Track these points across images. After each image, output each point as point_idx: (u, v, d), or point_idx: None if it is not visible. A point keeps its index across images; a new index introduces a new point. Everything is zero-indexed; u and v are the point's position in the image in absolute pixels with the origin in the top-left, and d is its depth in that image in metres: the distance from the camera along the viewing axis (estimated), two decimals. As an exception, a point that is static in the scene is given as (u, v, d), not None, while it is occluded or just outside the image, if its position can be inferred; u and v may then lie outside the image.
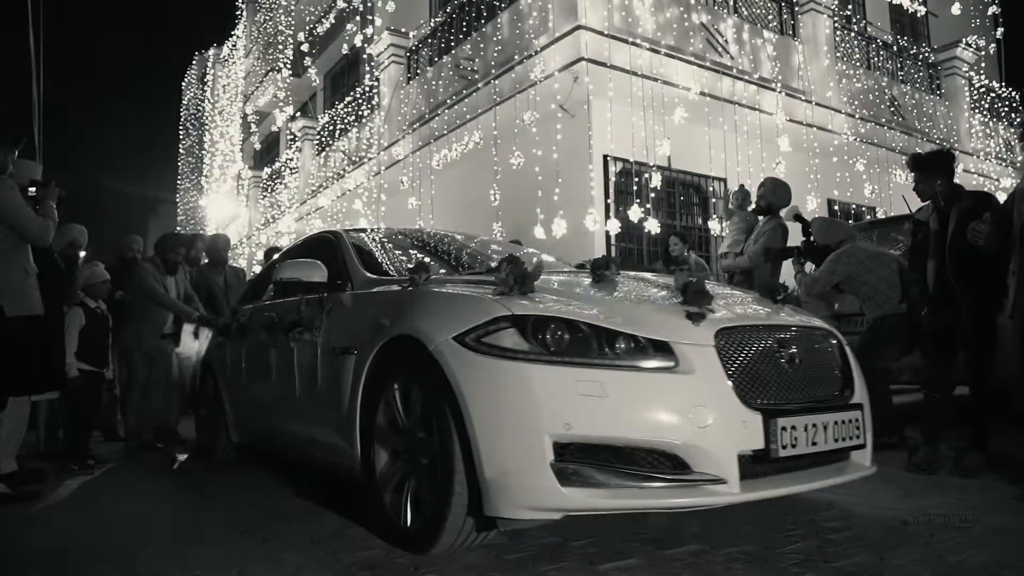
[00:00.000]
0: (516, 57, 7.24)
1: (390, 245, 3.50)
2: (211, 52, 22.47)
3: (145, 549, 2.40)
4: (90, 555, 2.37)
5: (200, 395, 4.72)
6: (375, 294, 2.78)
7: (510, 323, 1.99)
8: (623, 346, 1.97)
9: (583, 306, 2.13)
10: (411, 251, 3.58)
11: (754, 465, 1.96)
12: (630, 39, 6.75)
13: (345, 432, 2.58)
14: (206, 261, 6.18)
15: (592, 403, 1.87)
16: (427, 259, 3.32)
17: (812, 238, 4.46)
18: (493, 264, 3.33)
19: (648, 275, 3.06)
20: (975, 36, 10.94)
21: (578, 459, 1.86)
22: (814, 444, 2.06)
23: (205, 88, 23.03)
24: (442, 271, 3.19)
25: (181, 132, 26.06)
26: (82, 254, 5.23)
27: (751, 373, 2.04)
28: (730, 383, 1.97)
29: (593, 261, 2.64)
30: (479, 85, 7.72)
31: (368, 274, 2.99)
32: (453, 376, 2.00)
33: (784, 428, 1.99)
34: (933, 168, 3.85)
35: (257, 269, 9.40)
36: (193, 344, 5.42)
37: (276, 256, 4.79)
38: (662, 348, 1.97)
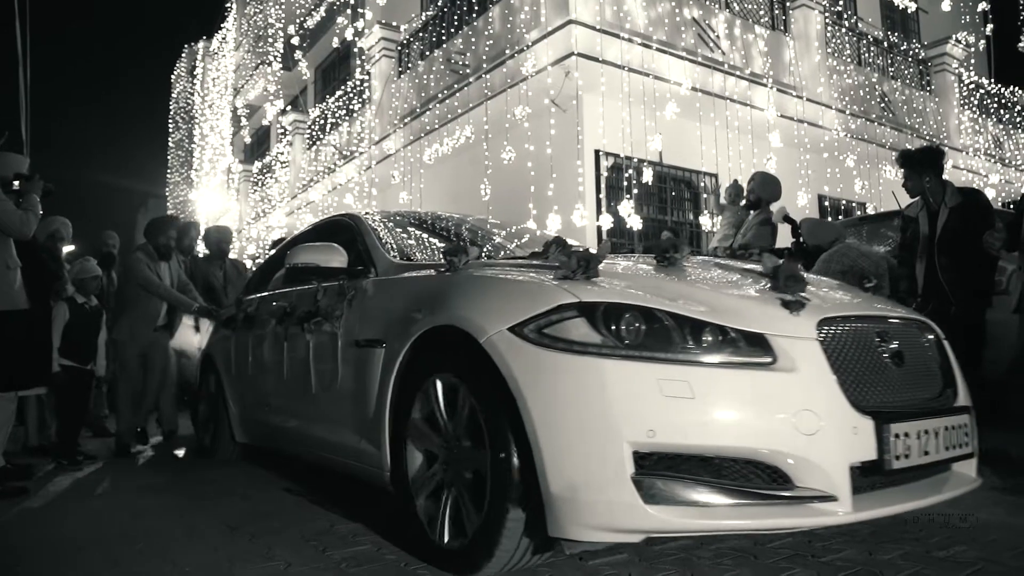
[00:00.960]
0: (507, 51, 7.21)
1: (411, 228, 3.26)
2: (200, 45, 22.28)
3: (134, 546, 2.38)
4: (77, 552, 2.35)
5: (200, 391, 4.50)
6: (405, 280, 2.50)
7: (577, 311, 1.72)
8: (711, 339, 1.69)
9: (657, 293, 1.82)
10: (433, 234, 3.31)
11: (862, 479, 1.69)
12: (621, 34, 6.74)
13: (371, 434, 2.33)
14: (205, 253, 5.87)
15: (679, 406, 1.60)
16: (462, 242, 2.99)
17: (802, 239, 4.47)
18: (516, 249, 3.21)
19: (719, 259, 2.77)
20: (965, 32, 10.99)
21: (662, 471, 1.60)
22: (926, 453, 1.79)
23: (195, 81, 22.84)
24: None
25: (171, 126, 25.85)
26: (70, 247, 5.18)
27: (856, 371, 1.77)
28: (837, 383, 1.70)
29: (658, 243, 2.33)
30: (470, 79, 7.69)
31: (393, 259, 2.73)
32: (510, 373, 1.74)
33: (897, 435, 1.72)
34: (922, 165, 3.88)
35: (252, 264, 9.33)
36: (193, 337, 5.17)
37: (286, 241, 4.44)
38: (757, 341, 1.69)
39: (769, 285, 1.96)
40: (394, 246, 2.88)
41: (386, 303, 2.48)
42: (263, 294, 3.78)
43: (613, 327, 1.70)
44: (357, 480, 2.61)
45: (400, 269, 2.63)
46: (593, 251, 1.95)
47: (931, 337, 2.12)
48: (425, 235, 3.25)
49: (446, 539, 1.98)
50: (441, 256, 2.62)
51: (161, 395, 5.01)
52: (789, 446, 1.61)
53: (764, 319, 1.75)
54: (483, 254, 2.85)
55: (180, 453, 4.66)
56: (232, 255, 6.22)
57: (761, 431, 1.62)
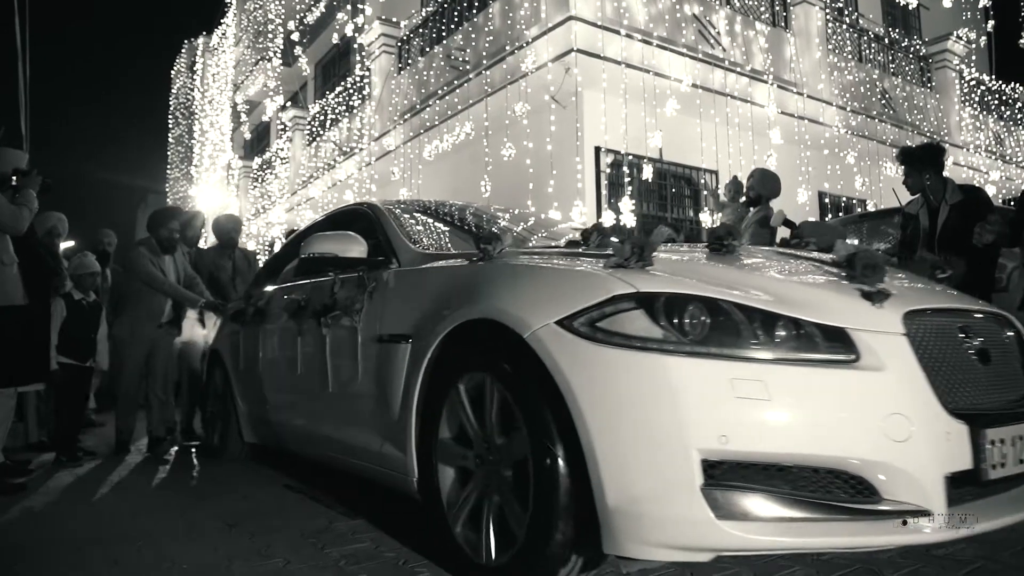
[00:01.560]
0: (507, 48, 7.19)
1: (430, 218, 3.08)
2: (200, 40, 22.24)
3: (134, 544, 2.38)
4: (76, 550, 2.35)
5: (208, 389, 4.35)
6: (434, 270, 2.31)
7: (635, 303, 1.55)
8: (785, 334, 1.51)
9: (719, 282, 1.65)
10: (453, 224, 3.12)
11: (953, 491, 1.51)
12: (622, 30, 6.73)
13: (396, 437, 2.17)
14: (213, 243, 5.61)
15: (754, 408, 1.44)
16: (495, 229, 2.78)
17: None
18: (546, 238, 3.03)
19: (776, 249, 2.55)
20: (966, 28, 10.96)
21: (734, 482, 1.44)
22: (1021, 462, 1.62)
23: (194, 77, 22.81)
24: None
25: (170, 121, 25.83)
26: (68, 243, 5.16)
27: (945, 370, 1.60)
28: (928, 382, 1.52)
29: (712, 230, 2.14)
30: (470, 76, 7.67)
31: (416, 248, 2.57)
32: (559, 371, 1.57)
33: (993, 442, 1.55)
34: (923, 161, 3.87)
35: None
36: (199, 332, 4.90)
37: (299, 231, 4.20)
38: (837, 336, 1.52)
39: (843, 274, 1.78)
40: (416, 235, 2.71)
41: (412, 295, 2.30)
42: (274, 287, 3.61)
43: (675, 320, 1.52)
44: (378, 485, 2.44)
45: (425, 259, 2.45)
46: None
47: (1011, 334, 1.92)
48: (446, 224, 3.06)
49: (493, 555, 1.79)
50: (467, 246, 2.54)
51: (167, 393, 4.77)
52: (878, 454, 1.44)
53: (844, 312, 1.58)
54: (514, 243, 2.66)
55: (172, 452, 4.64)
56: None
57: (846, 437, 1.45)
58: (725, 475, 1.44)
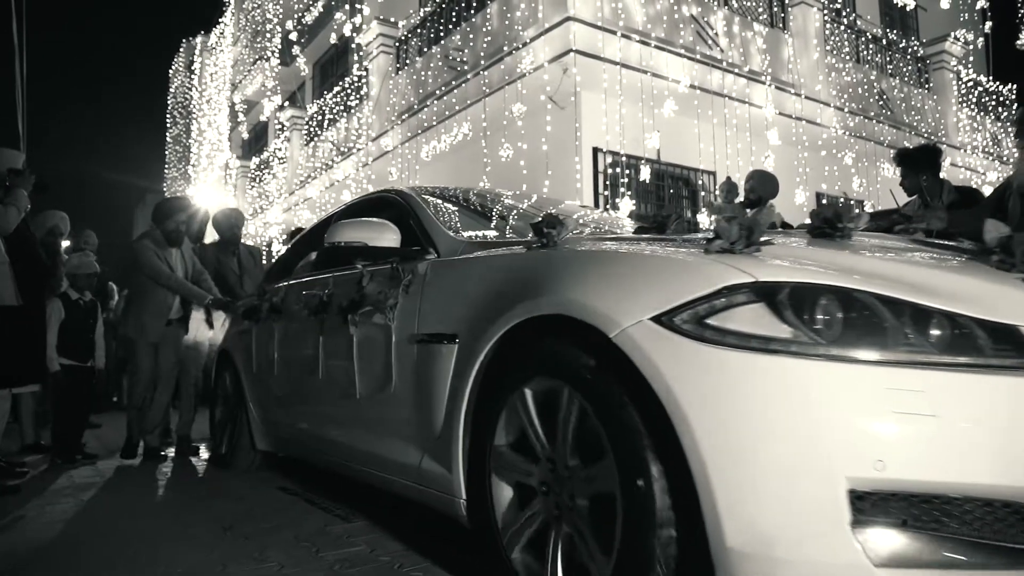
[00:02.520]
0: (505, 48, 7.19)
1: (464, 204, 2.81)
2: (198, 40, 22.22)
3: (129, 547, 2.38)
4: (71, 554, 2.35)
5: (216, 392, 4.07)
6: (484, 260, 2.03)
7: (753, 294, 1.27)
8: (942, 333, 1.22)
9: (848, 271, 1.36)
10: (491, 211, 2.86)
11: None
12: (620, 31, 6.72)
13: (438, 452, 1.91)
14: (217, 239, 5.33)
15: (915, 426, 1.15)
16: (554, 212, 2.46)
17: None
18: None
19: (895, 235, 2.24)
20: (963, 30, 10.98)
21: (890, 518, 1.15)
22: None
23: (192, 76, 22.79)
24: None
25: (168, 120, 25.81)
26: (66, 243, 5.13)
27: None
28: None
29: (817, 210, 1.82)
30: (468, 76, 7.67)
31: (457, 236, 2.30)
32: (659, 378, 1.28)
33: None
34: (919, 163, 3.87)
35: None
36: (207, 333, 4.66)
37: (307, 226, 4.03)
38: (1006, 336, 1.23)
39: (996, 261, 1.52)
40: (453, 223, 2.46)
41: (458, 289, 2.02)
42: (291, 281, 3.34)
43: (806, 316, 1.23)
44: (415, 504, 2.14)
45: (469, 248, 2.18)
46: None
47: None
48: (481, 212, 2.80)
49: None
50: (516, 232, 2.32)
51: (174, 396, 4.60)
52: None
53: (1012, 306, 1.28)
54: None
55: (170, 453, 4.62)
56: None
57: None
58: (879, 510, 1.15)
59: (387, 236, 2.32)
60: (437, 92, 8.24)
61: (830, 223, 1.69)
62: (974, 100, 11.16)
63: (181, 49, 24.43)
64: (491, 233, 2.56)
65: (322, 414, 2.79)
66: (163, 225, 4.27)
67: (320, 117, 11.78)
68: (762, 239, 1.47)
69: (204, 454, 4.48)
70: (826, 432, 1.16)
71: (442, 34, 8.52)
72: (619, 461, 1.36)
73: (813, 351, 1.20)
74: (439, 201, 2.64)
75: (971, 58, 11.46)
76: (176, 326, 4.35)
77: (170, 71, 25.81)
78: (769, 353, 1.21)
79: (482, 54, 7.64)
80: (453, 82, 7.97)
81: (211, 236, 5.57)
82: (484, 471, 1.72)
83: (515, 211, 2.89)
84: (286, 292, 3.27)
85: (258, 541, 2.39)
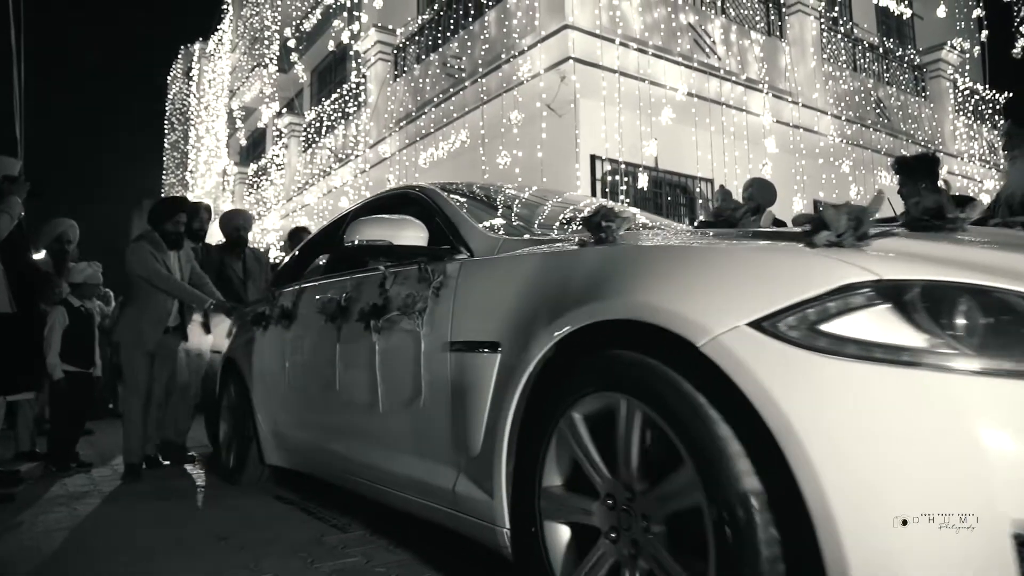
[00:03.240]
0: (503, 56, 7.20)
1: (489, 201, 2.56)
2: (197, 46, 22.26)
3: (120, 557, 2.35)
4: (62, 564, 2.32)
5: (221, 403, 3.83)
6: (529, 258, 1.77)
7: (876, 295, 1.07)
8: None
9: (975, 266, 1.15)
10: (520, 206, 2.56)
11: None
12: (618, 39, 6.74)
13: (476, 475, 1.70)
14: (221, 241, 5.00)
15: None
16: (607, 203, 2.23)
17: None
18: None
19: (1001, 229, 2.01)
20: (960, 38, 11.04)
21: None
22: None
23: (191, 83, 22.82)
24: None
25: (166, 127, 25.83)
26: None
27: None
28: None
29: (915, 202, 1.61)
30: (466, 84, 7.68)
31: (492, 234, 2.08)
32: (763, 395, 1.07)
33: None
34: (917, 171, 3.88)
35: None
36: (205, 339, 4.41)
37: (319, 227, 3.68)
38: None
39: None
40: (485, 219, 2.23)
41: (499, 291, 1.77)
42: (303, 284, 3.11)
43: (943, 320, 1.04)
44: (446, 529, 1.92)
45: (509, 246, 1.94)
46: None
47: None
48: (511, 207, 2.52)
49: None
50: (546, 229, 2.17)
51: (168, 406, 4.29)
52: None
53: None
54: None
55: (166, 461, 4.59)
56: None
57: None
58: None
59: (413, 234, 2.09)
60: (435, 99, 8.25)
61: (935, 213, 1.45)
62: (970, 108, 11.20)
63: (180, 55, 24.48)
64: (525, 230, 2.25)
65: (339, 428, 2.55)
66: (162, 227, 3.99)
67: (318, 124, 11.78)
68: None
69: (199, 463, 4.44)
70: (986, 463, 0.95)
71: (440, 42, 8.54)
72: (707, 482, 1.15)
73: (959, 363, 1.00)
74: (463, 198, 2.41)
75: (967, 66, 11.52)
76: (173, 334, 4.10)
77: (168, 77, 25.85)
78: (902, 365, 1.01)
79: (480, 62, 7.65)
80: (451, 89, 7.98)
81: (214, 237, 5.47)
82: (534, 508, 1.51)
83: (543, 207, 2.62)
84: (298, 296, 3.05)
85: (253, 551, 2.36)
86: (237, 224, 4.81)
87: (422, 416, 1.96)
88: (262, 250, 5.84)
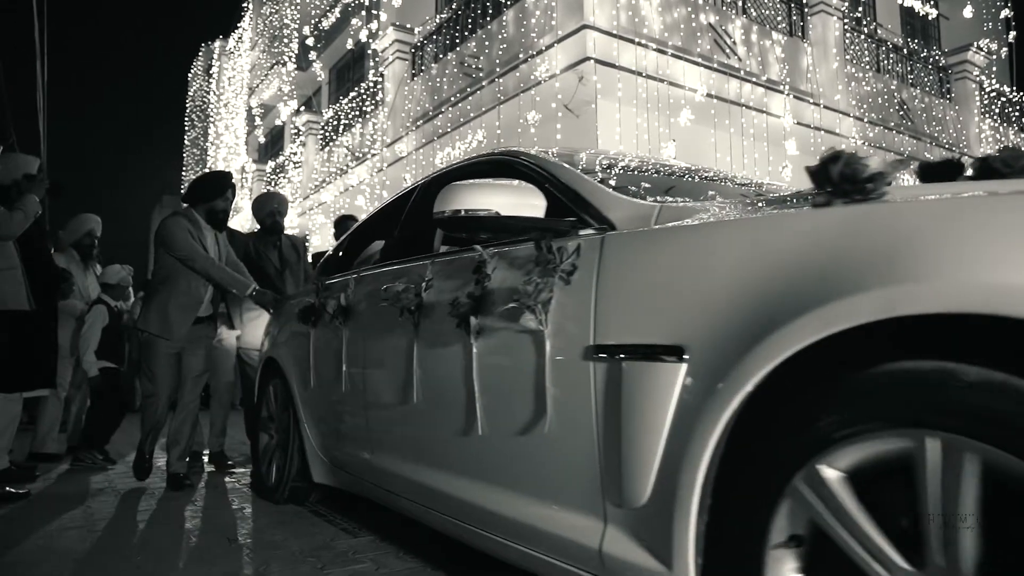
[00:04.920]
0: (521, 56, 7.17)
1: (586, 167, 1.95)
2: (217, 44, 22.46)
3: (132, 559, 2.35)
4: (72, 562, 2.32)
5: (261, 410, 3.40)
6: (726, 227, 1.25)
7: None
8: None
9: None
10: (627, 171, 2.06)
11: None
12: (637, 39, 6.68)
13: (642, 532, 1.24)
14: (254, 228, 4.58)
15: None
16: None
17: None
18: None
19: None
20: (987, 39, 10.83)
21: None
22: None
23: (211, 80, 23.03)
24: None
25: (186, 124, 26.10)
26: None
27: None
28: None
29: None
30: (483, 83, 7.66)
31: (640, 200, 1.56)
32: None
33: None
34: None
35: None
36: (230, 333, 4.02)
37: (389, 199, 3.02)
38: None
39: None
40: (620, 184, 1.74)
41: (678, 274, 1.27)
42: (361, 272, 2.64)
43: None
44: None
45: (670, 213, 1.44)
46: None
47: None
48: (629, 172, 2.05)
49: None
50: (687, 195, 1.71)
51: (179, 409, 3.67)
52: None
53: None
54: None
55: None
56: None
57: None
58: None
59: (531, 201, 1.63)
60: (452, 99, 8.23)
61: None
62: (997, 111, 10.99)
63: (200, 53, 24.71)
64: (668, 196, 1.72)
65: (417, 451, 2.08)
66: (211, 203, 3.53)
67: (335, 122, 11.82)
68: None
69: (238, 471, 4.20)
70: None
71: (458, 41, 8.52)
72: None
73: None
74: (564, 163, 1.89)
75: (994, 68, 11.30)
76: (206, 326, 3.62)
77: (189, 75, 26.11)
78: None
79: (497, 61, 7.62)
80: (468, 89, 7.96)
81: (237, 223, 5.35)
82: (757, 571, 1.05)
83: (654, 173, 2.08)
84: (356, 286, 2.56)
85: (262, 554, 2.35)
86: (272, 208, 4.31)
87: (546, 445, 1.49)
88: (349, 216, 5.14)
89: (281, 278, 4.14)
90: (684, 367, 1.19)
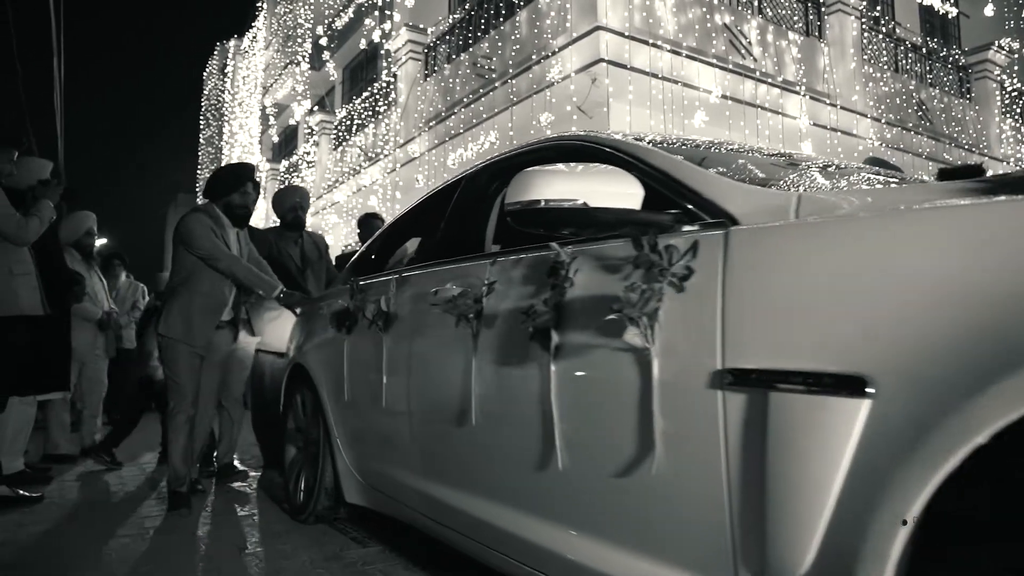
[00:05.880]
0: (534, 57, 7.13)
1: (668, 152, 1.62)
2: (232, 43, 22.59)
3: (141, 568, 2.35)
4: (81, 570, 2.32)
5: (287, 421, 3.14)
6: (931, 217, 0.98)
7: None
8: None
9: None
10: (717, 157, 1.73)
11: None
12: (651, 40, 6.63)
13: None
14: (275, 223, 4.29)
15: None
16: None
17: None
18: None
19: None
20: (1008, 38, 10.65)
21: None
22: None
23: (225, 79, 23.17)
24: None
25: (201, 123, 26.28)
26: (103, 240, 5.22)
27: None
28: None
29: None
30: (496, 84, 7.63)
31: (767, 189, 1.32)
32: None
33: None
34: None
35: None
36: (248, 340, 3.72)
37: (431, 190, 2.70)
38: None
39: None
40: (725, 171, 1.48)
41: (858, 281, 0.98)
42: (406, 272, 2.33)
43: None
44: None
45: (812, 205, 1.16)
46: None
47: None
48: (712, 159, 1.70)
49: None
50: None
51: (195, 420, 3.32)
52: None
53: None
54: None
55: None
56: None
57: None
58: None
59: (624, 190, 1.35)
60: (465, 100, 8.21)
61: None
62: (1019, 111, 10.81)
63: (215, 52, 24.86)
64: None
65: (474, 480, 1.80)
66: (228, 198, 3.28)
67: (348, 122, 11.84)
68: None
69: (249, 478, 3.96)
70: None
71: (471, 41, 8.50)
72: None
73: None
74: (651, 147, 1.61)
75: (1016, 67, 11.11)
76: (227, 330, 3.38)
77: (204, 74, 26.28)
78: None
79: (510, 62, 7.59)
80: (481, 90, 7.93)
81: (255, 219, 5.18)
82: None
83: (745, 159, 1.73)
84: (397, 288, 2.28)
85: (271, 563, 2.34)
86: (294, 202, 4.04)
87: (652, 488, 1.22)
88: (374, 215, 4.86)
89: (303, 276, 3.88)
90: (867, 404, 0.91)
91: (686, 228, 1.29)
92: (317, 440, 2.80)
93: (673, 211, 1.35)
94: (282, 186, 4.49)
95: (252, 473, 4.08)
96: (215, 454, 3.96)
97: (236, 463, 3.95)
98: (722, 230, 1.21)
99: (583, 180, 1.36)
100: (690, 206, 1.34)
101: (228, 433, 3.84)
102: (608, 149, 1.65)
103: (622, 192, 1.35)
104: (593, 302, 1.37)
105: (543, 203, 1.34)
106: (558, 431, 1.42)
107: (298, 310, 3.30)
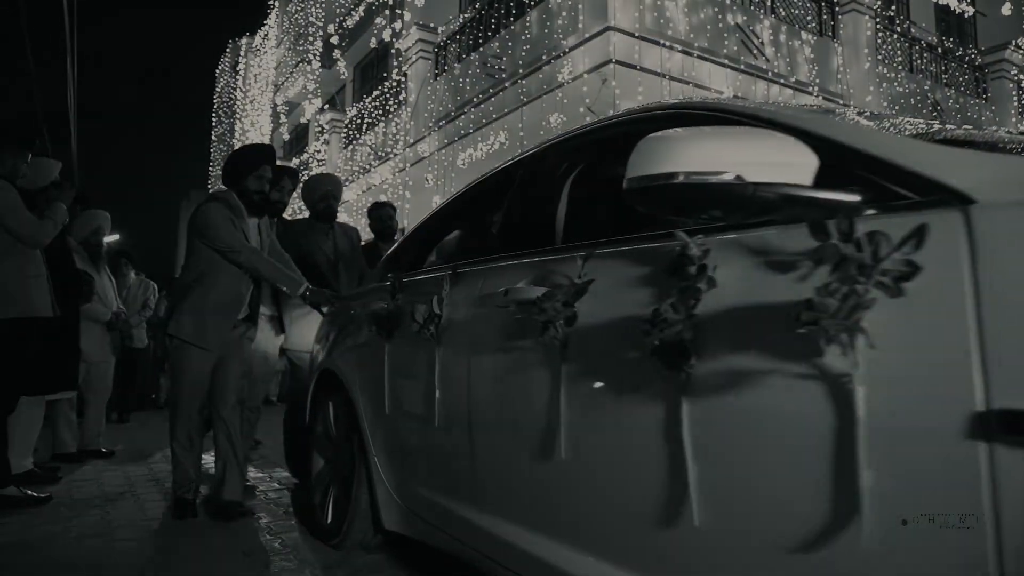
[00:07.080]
0: (544, 57, 7.10)
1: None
2: (243, 41, 22.69)
3: (145, 568, 2.35)
4: (87, 569, 2.33)
5: (315, 431, 2.80)
6: None
7: None
8: None
9: None
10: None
11: None
12: (661, 41, 6.58)
13: None
14: (305, 215, 3.94)
15: None
16: None
17: None
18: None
19: None
20: (1025, 38, 10.52)
21: None
22: None
23: (237, 77, 23.27)
24: None
25: (213, 120, 26.42)
26: (114, 236, 5.24)
27: None
28: None
29: None
30: (506, 84, 7.61)
31: (1011, 156, 1.04)
32: None
33: None
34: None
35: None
36: (272, 340, 3.45)
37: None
38: None
39: None
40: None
41: None
42: (465, 266, 1.94)
43: None
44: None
45: None
46: None
47: None
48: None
49: None
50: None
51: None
52: None
53: None
54: None
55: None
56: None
57: None
58: None
59: (788, 159, 1.00)
60: (475, 99, 8.19)
61: None
62: (1035, 111, 10.68)
63: (227, 50, 24.97)
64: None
65: (558, 525, 1.44)
66: (243, 183, 2.95)
67: (359, 121, 11.86)
68: None
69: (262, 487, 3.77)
70: None
71: (481, 41, 8.48)
72: None
73: None
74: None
75: (1032, 67, 10.97)
76: (245, 329, 3.08)
77: (216, 71, 26.41)
78: None
79: (520, 62, 7.56)
80: (491, 90, 7.91)
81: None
82: None
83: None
84: (451, 286, 1.91)
85: (277, 569, 2.34)
86: (325, 191, 3.68)
87: (857, 563, 0.87)
88: (383, 203, 4.57)
89: (334, 272, 3.54)
90: None
91: (893, 214, 0.92)
92: (350, 457, 2.45)
93: (850, 189, 1.00)
94: (314, 174, 4.02)
95: (259, 474, 4.08)
96: (222, 489, 3.06)
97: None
98: (958, 209, 0.85)
99: (742, 145, 1.02)
100: (886, 182, 0.97)
101: (234, 461, 3.04)
102: (735, 116, 1.26)
103: (786, 162, 1.00)
104: (745, 312, 1.02)
105: (682, 177, 1.00)
106: (692, 477, 1.06)
107: (325, 309, 3.01)
